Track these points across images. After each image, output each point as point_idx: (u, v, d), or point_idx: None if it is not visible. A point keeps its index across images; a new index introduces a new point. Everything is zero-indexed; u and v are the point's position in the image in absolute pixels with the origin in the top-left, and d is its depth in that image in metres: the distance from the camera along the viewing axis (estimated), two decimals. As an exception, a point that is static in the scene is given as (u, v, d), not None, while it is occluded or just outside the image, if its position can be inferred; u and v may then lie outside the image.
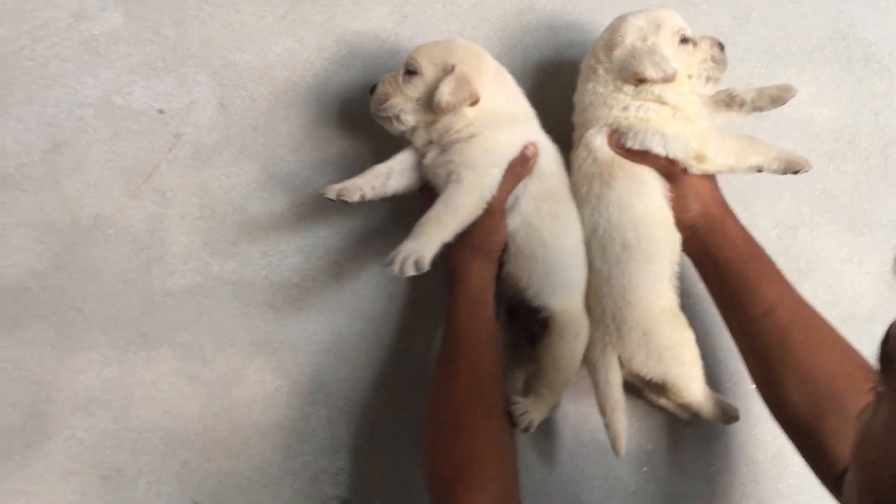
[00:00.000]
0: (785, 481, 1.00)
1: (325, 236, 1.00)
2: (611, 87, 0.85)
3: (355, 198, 0.85)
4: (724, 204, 0.87)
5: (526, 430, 0.84)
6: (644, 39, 0.84)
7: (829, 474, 0.74)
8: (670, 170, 0.85)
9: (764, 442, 1.00)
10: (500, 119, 0.85)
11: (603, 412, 0.88)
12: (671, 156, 0.84)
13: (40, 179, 0.97)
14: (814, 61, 1.04)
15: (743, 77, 1.02)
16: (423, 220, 0.81)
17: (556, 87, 0.98)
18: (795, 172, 0.86)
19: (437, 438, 0.83)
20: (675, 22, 0.86)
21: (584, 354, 0.87)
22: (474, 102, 0.84)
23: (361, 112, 0.99)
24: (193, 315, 0.98)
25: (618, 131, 0.85)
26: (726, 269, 0.82)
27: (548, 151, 0.88)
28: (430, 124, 0.87)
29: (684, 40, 0.86)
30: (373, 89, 0.89)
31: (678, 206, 0.85)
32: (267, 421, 0.99)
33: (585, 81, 0.88)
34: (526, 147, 0.86)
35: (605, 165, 0.85)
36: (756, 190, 1.01)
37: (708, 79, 0.88)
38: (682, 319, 0.86)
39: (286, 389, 0.99)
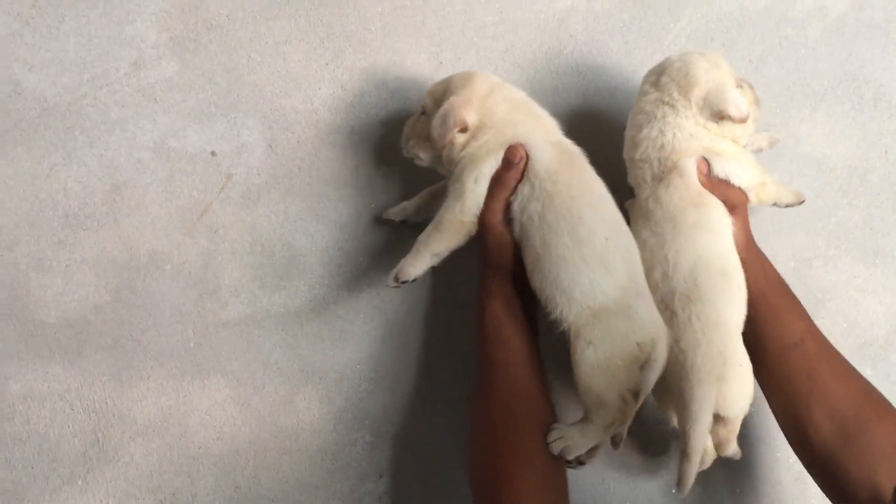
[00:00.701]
0: (808, 503, 1.06)
1: (368, 269, 1.07)
2: (693, 121, 0.88)
3: (398, 217, 1.01)
4: (754, 241, 0.92)
5: (564, 458, 0.82)
6: (714, 81, 0.88)
7: (851, 499, 0.79)
8: (739, 200, 0.89)
9: (788, 465, 1.06)
10: (487, 133, 0.88)
11: (692, 453, 0.84)
12: (744, 185, 0.89)
13: (101, 219, 1.04)
14: (826, 102, 1.11)
15: (760, 117, 1.10)
16: (419, 237, 0.90)
17: (584, 128, 1.05)
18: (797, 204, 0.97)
19: (476, 460, 0.88)
20: (727, 66, 0.91)
21: (681, 390, 0.84)
22: (463, 129, 0.88)
23: (400, 153, 1.07)
24: (244, 345, 1.05)
25: (705, 160, 0.88)
26: (762, 300, 0.86)
27: (544, 154, 0.86)
28: (439, 157, 0.94)
29: (738, 84, 0.92)
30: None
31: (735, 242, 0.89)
32: (314, 446, 1.05)
33: (662, 118, 0.89)
34: (508, 151, 0.86)
35: (698, 193, 0.87)
36: (774, 224, 1.08)
37: (754, 120, 0.93)
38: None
39: (332, 416, 1.05)
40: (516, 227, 0.86)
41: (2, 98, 1.03)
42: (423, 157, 0.95)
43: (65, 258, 1.03)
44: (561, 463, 0.84)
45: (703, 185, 0.87)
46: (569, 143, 0.91)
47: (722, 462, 1.05)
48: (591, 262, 0.82)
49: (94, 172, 1.04)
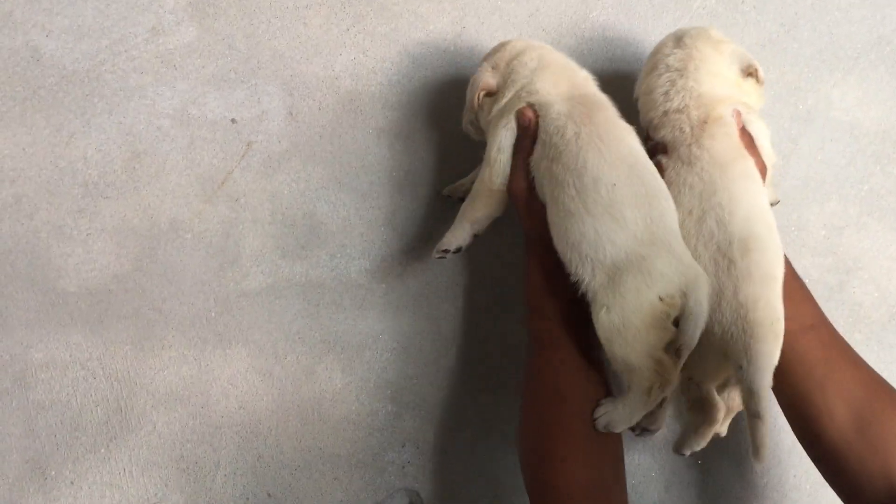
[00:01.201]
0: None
1: (390, 239, 1.06)
2: (727, 68, 0.87)
3: (456, 193, 1.01)
4: None
5: (614, 432, 0.79)
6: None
7: (866, 490, 0.75)
8: (761, 167, 0.85)
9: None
10: (506, 96, 0.87)
11: (760, 413, 0.77)
12: (766, 153, 0.86)
13: (121, 187, 1.04)
14: (859, 66, 1.09)
15: (791, 81, 1.08)
16: (461, 207, 0.92)
17: (611, 93, 1.03)
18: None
19: (525, 440, 0.85)
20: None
21: (744, 346, 0.77)
22: (490, 93, 0.89)
23: (423, 118, 1.06)
24: (266, 315, 1.05)
25: (739, 112, 0.85)
26: None
27: (553, 110, 0.84)
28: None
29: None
30: None
31: None
32: (336, 416, 1.05)
33: (695, 70, 0.86)
34: (518, 115, 0.85)
35: (740, 144, 0.83)
36: (804, 192, 1.06)
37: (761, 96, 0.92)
38: None
39: (354, 386, 1.05)
40: (539, 191, 0.84)
41: (21, 65, 1.03)
42: (472, 129, 0.96)
43: (85, 227, 1.03)
44: (613, 439, 0.81)
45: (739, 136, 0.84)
46: (593, 95, 0.87)
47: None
48: (595, 211, 0.76)
49: (114, 140, 1.04)
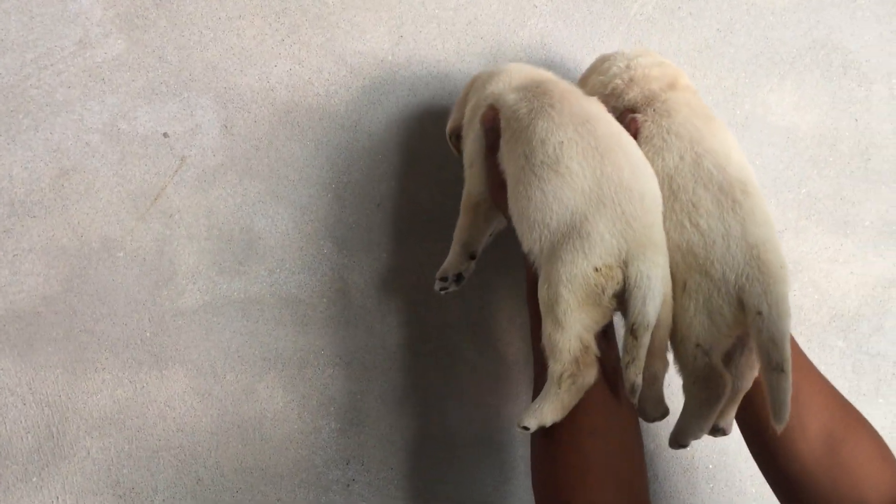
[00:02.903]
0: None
1: (330, 252, 1.07)
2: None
3: None
4: None
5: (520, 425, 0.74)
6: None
7: None
8: None
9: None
10: (469, 117, 0.93)
11: (781, 365, 0.69)
12: None
13: (49, 205, 1.03)
14: (795, 70, 1.13)
15: (728, 87, 1.11)
16: None
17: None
18: None
19: (539, 448, 0.79)
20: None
21: (754, 294, 0.70)
22: (457, 133, 0.96)
23: (362, 129, 1.07)
24: (203, 334, 1.05)
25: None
26: None
27: (507, 100, 0.83)
28: None
29: None
30: None
31: None
32: (278, 435, 1.05)
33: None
34: (480, 120, 0.87)
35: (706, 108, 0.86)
36: (744, 196, 1.09)
37: None
38: None
39: (296, 404, 1.05)
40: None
41: (-61, 80, 1.02)
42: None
43: (11, 247, 1.02)
44: (634, 441, 0.75)
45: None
46: (539, 77, 0.87)
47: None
48: (542, 172, 0.71)
49: (41, 157, 1.03)
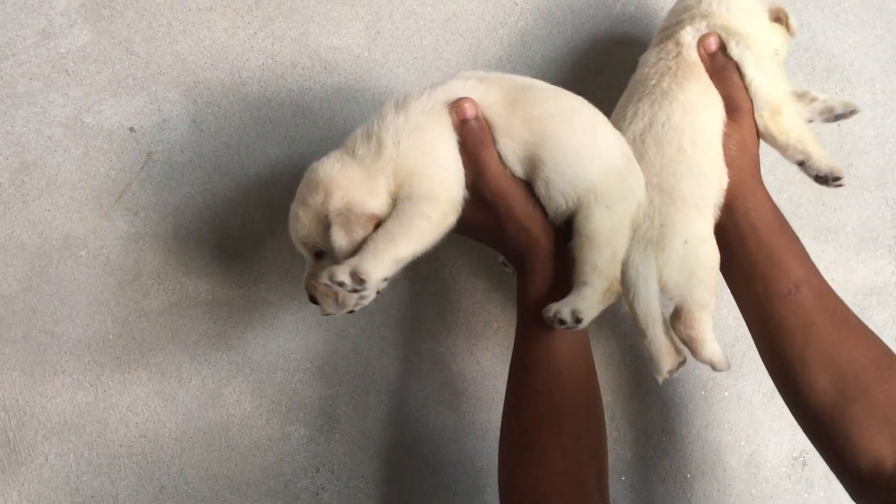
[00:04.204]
0: (758, 486, 1.09)
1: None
2: (763, 11, 0.90)
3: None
4: (759, 173, 0.87)
5: (563, 324, 0.75)
6: None
7: (851, 466, 0.75)
8: (740, 103, 0.84)
9: (738, 447, 1.08)
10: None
11: (643, 326, 0.83)
12: (755, 87, 0.85)
13: (8, 201, 1.01)
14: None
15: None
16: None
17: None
18: (827, 182, 0.90)
19: (509, 467, 0.80)
20: None
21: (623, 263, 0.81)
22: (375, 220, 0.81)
23: (336, 126, 1.06)
24: (168, 336, 1.03)
25: (718, 36, 0.86)
26: (751, 238, 0.82)
27: (479, 90, 0.83)
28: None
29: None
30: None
31: (724, 147, 0.85)
32: (245, 442, 1.04)
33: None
34: (455, 110, 0.81)
35: (686, 65, 0.86)
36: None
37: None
38: (715, 244, 0.84)
39: (264, 409, 1.04)
40: (519, 168, 0.82)
41: None
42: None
43: (-32, 244, 1.00)
44: (606, 464, 0.79)
45: (706, 64, 0.86)
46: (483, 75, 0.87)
47: (673, 447, 1.08)
48: (577, 126, 0.83)
49: (0, 151, 1.01)
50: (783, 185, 1.12)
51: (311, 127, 1.07)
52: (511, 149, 0.81)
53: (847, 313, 0.81)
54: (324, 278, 0.76)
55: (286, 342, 1.05)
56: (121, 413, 1.02)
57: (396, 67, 1.08)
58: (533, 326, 0.80)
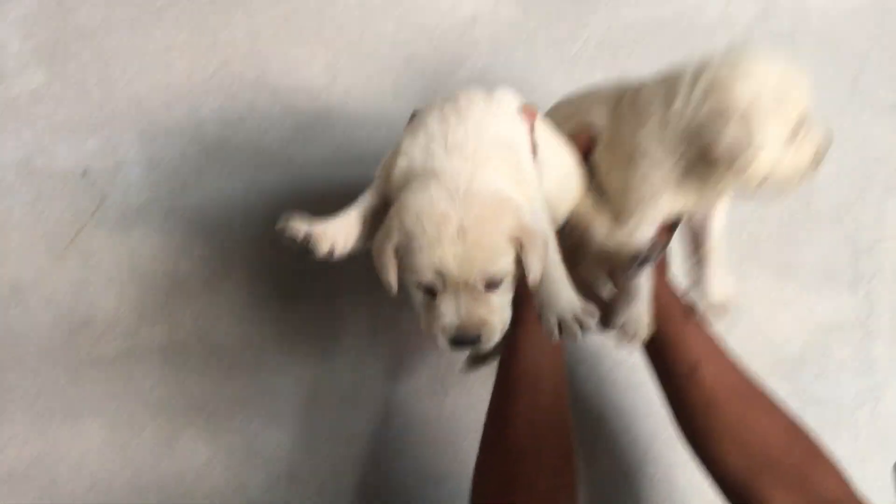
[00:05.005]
0: None
1: (261, 296, 1.05)
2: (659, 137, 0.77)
3: (323, 249, 0.75)
4: (665, 266, 0.91)
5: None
6: (753, 110, 0.72)
7: None
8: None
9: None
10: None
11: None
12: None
13: (-44, 246, 0.99)
14: (736, 113, 1.15)
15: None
16: None
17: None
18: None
19: (487, 497, 0.82)
20: (802, 96, 0.74)
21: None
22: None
23: (296, 167, 1.06)
24: (122, 383, 1.02)
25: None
26: (665, 326, 0.85)
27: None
28: None
29: (798, 127, 0.73)
30: None
31: None
32: (202, 490, 1.02)
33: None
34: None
35: None
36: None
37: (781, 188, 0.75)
38: None
39: (221, 457, 1.03)
40: None
41: None
42: None
43: (-87, 291, 0.98)
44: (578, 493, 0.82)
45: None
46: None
47: (634, 490, 1.07)
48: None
49: (-52, 194, 1.00)
50: (744, 221, 1.14)
51: (269, 168, 1.07)
52: None
53: (750, 388, 0.85)
54: (578, 329, 0.71)
55: (243, 387, 1.04)
56: (72, 463, 1.00)
57: (356, 107, 1.09)
58: (519, 356, 0.83)
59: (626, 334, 0.83)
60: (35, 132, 1.02)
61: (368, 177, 1.07)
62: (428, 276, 0.67)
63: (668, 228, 0.85)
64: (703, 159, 0.73)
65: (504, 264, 0.69)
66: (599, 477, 1.09)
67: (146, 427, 1.02)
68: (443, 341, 0.69)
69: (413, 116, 0.83)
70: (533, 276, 0.71)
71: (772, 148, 0.71)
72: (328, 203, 1.07)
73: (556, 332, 0.73)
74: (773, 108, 0.72)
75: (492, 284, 0.70)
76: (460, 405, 1.07)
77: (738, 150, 0.71)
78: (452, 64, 1.12)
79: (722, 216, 0.86)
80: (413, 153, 0.72)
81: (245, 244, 1.05)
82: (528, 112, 0.77)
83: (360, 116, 1.09)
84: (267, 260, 1.05)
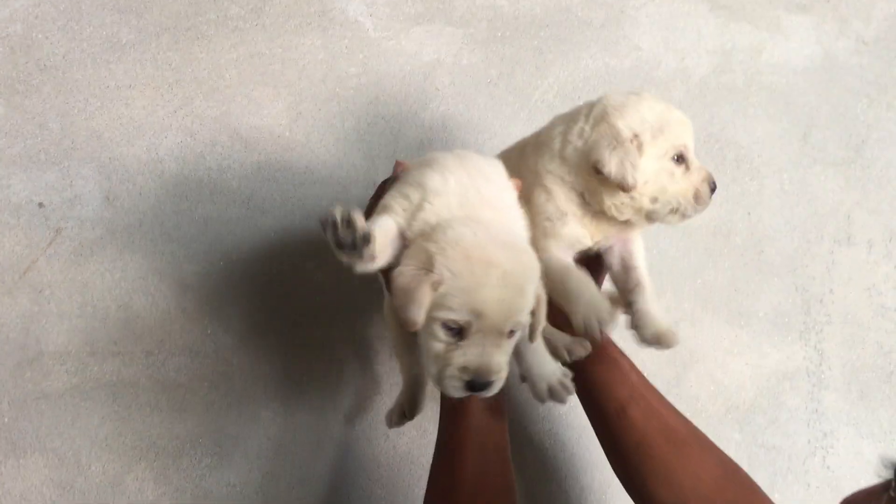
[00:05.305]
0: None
1: (215, 333, 1.05)
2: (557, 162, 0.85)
3: (373, 251, 0.70)
4: None
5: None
6: (635, 136, 0.81)
7: None
8: None
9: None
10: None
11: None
12: None
13: None
14: (691, 163, 1.19)
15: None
16: None
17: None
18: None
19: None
20: (682, 132, 0.84)
21: None
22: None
23: (255, 205, 1.07)
24: (69, 419, 1.00)
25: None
26: (579, 367, 0.86)
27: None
28: None
29: (679, 159, 0.83)
30: None
31: None
32: (147, 532, 1.00)
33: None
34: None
35: None
36: (641, 285, 1.13)
37: (675, 211, 0.84)
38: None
39: (169, 498, 1.02)
40: None
41: None
42: None
43: None
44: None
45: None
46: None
47: None
48: None
49: None
50: (697, 270, 1.17)
51: (229, 206, 1.07)
52: None
53: (679, 428, 0.86)
54: (565, 392, 0.80)
55: (194, 426, 1.03)
56: (13, 502, 0.98)
57: (317, 148, 1.10)
58: (464, 410, 0.85)
59: (591, 329, 0.80)
60: (-9, 164, 1.02)
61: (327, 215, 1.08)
62: (464, 316, 0.68)
63: (591, 264, 0.88)
64: (595, 177, 0.81)
65: (527, 313, 0.73)
66: (551, 522, 1.10)
67: (92, 465, 1.00)
68: (456, 384, 0.70)
69: (396, 171, 0.81)
70: (539, 328, 0.75)
71: (653, 171, 0.81)
72: (287, 241, 1.09)
73: (546, 397, 0.80)
74: (653, 136, 0.81)
75: (512, 332, 0.72)
76: (413, 448, 1.07)
77: (622, 169, 0.79)
78: (415, 107, 1.14)
79: (641, 251, 0.90)
80: (446, 194, 0.73)
81: (201, 279, 1.05)
82: (515, 182, 0.82)
83: (320, 156, 1.11)
84: (224, 297, 1.05)
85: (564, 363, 0.84)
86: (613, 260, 0.89)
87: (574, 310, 0.80)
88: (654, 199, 0.83)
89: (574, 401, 1.09)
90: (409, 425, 1.05)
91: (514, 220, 0.77)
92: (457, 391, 0.71)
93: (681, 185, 0.83)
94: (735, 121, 1.22)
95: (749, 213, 1.20)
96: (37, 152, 1.04)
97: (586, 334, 0.79)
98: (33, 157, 1.04)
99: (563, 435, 1.11)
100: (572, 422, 1.11)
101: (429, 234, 0.71)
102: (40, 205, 1.03)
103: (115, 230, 1.04)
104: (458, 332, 0.70)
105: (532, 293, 0.72)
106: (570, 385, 0.80)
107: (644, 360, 1.09)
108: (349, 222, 0.67)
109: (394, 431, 1.07)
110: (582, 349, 0.84)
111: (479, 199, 0.74)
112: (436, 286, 0.68)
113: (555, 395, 0.80)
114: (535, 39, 1.18)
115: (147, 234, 1.05)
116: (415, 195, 0.74)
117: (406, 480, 1.07)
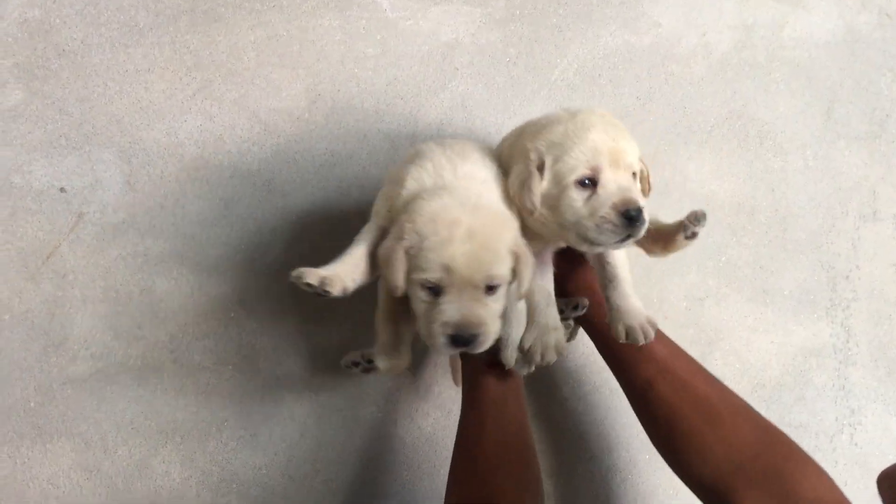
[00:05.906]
0: None
1: (238, 317, 1.05)
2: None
3: (336, 291, 0.79)
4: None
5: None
6: (540, 158, 0.82)
7: None
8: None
9: None
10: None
11: None
12: None
13: (-72, 263, 0.99)
14: (713, 139, 1.19)
15: (648, 154, 1.16)
16: None
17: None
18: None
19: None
20: (594, 156, 0.80)
21: None
22: None
23: (275, 189, 1.07)
24: (94, 404, 1.01)
25: None
26: (608, 349, 0.92)
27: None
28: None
29: (584, 184, 0.81)
30: None
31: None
32: (174, 515, 1.01)
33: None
34: None
35: None
36: (664, 264, 1.13)
37: (584, 239, 0.81)
38: None
39: (195, 480, 1.02)
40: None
41: None
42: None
43: None
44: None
45: None
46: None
47: None
48: None
49: (-78, 211, 1.00)
50: (721, 248, 1.17)
51: (248, 188, 1.08)
52: None
53: (711, 397, 0.87)
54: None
55: (219, 409, 1.04)
56: (41, 486, 1.00)
57: (336, 130, 1.11)
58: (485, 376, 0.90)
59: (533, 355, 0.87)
60: (12, 150, 1.03)
61: (349, 198, 1.09)
62: (436, 273, 0.75)
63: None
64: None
65: (504, 269, 0.78)
66: (578, 501, 1.10)
67: (118, 449, 1.02)
68: (442, 339, 0.76)
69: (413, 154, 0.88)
70: (524, 287, 0.80)
71: (553, 195, 0.81)
72: (307, 223, 1.09)
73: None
74: (555, 159, 0.81)
75: (491, 288, 0.78)
76: (438, 429, 1.08)
77: (520, 193, 0.82)
78: (434, 87, 1.14)
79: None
80: (422, 178, 0.82)
81: (224, 263, 1.06)
82: None
83: (339, 138, 1.11)
84: (247, 280, 1.06)
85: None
86: (590, 255, 0.92)
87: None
88: (560, 224, 0.82)
89: (598, 381, 1.10)
90: (433, 406, 1.06)
91: (489, 190, 0.82)
92: (445, 347, 0.77)
93: (581, 211, 0.80)
94: (757, 97, 1.22)
95: (773, 190, 1.20)
96: (57, 137, 1.05)
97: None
98: (54, 142, 1.04)
99: (589, 416, 1.11)
100: (598, 402, 1.11)
101: (404, 209, 0.79)
102: (62, 190, 1.04)
103: (136, 214, 1.05)
104: (435, 290, 0.76)
105: (505, 249, 0.78)
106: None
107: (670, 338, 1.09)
108: (308, 284, 0.77)
109: (419, 413, 1.08)
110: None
111: (453, 175, 0.82)
112: (409, 251, 0.76)
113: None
114: (554, 17, 1.18)
115: (168, 217, 1.06)
116: (394, 191, 0.82)
117: (432, 461, 1.08)
